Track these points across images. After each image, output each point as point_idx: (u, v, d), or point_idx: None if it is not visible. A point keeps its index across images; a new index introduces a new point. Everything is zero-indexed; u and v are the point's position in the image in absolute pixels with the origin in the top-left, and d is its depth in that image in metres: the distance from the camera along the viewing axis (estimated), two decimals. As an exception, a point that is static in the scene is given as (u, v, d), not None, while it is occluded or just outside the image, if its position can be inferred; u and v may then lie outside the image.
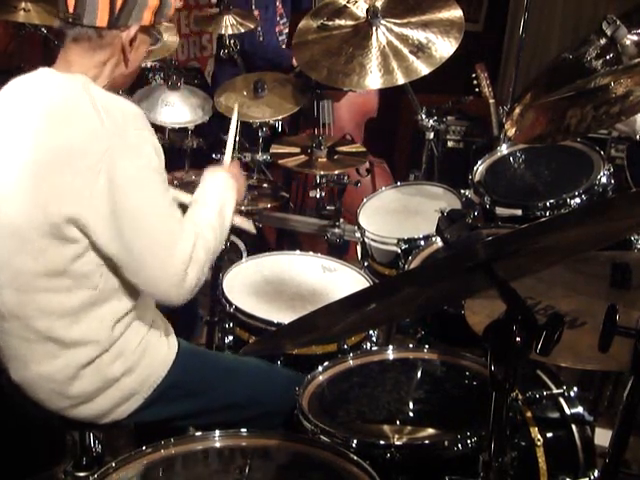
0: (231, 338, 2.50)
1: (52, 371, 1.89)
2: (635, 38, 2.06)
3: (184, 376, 2.03)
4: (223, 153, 3.04)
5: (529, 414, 1.83)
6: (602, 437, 1.84)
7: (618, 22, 2.05)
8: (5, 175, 1.80)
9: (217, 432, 1.77)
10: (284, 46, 4.44)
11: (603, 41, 2.11)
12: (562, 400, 1.88)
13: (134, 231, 1.79)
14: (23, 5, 3.56)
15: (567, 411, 1.87)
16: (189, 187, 2.37)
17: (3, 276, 1.85)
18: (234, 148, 2.44)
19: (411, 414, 1.89)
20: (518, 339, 1.23)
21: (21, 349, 1.89)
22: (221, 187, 2.07)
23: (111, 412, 1.96)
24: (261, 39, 4.24)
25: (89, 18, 1.81)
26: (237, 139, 2.53)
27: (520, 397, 1.81)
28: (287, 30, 4.48)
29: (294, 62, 4.12)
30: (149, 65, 3.91)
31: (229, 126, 2.43)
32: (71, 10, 1.82)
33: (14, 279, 1.83)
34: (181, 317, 2.16)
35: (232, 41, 3.81)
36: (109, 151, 1.74)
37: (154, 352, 1.98)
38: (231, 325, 2.49)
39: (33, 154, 1.78)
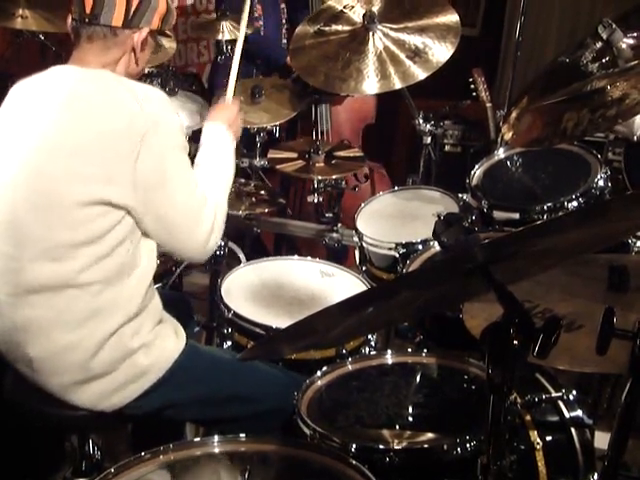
0: (230, 343, 2.50)
1: (78, 339, 1.94)
2: (631, 41, 2.06)
3: (192, 363, 2.09)
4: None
5: (528, 417, 1.83)
6: (602, 440, 1.83)
7: (614, 25, 2.05)
8: (48, 157, 1.90)
9: (216, 437, 1.77)
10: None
11: (599, 44, 2.11)
12: (561, 403, 1.88)
13: (167, 206, 1.96)
14: (21, 12, 3.56)
15: (566, 414, 1.87)
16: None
17: (37, 250, 1.91)
18: (237, 79, 2.54)
19: (410, 418, 1.89)
20: (515, 342, 1.23)
21: (48, 319, 1.94)
22: (221, 142, 2.22)
23: (117, 393, 1.98)
24: (262, 33, 4.25)
25: (105, 18, 1.95)
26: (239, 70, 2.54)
27: (519, 400, 1.80)
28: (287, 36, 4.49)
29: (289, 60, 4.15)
30: (146, 71, 3.91)
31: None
32: (88, 11, 1.95)
33: (50, 251, 1.90)
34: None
35: (229, 47, 3.82)
36: (148, 133, 1.88)
37: (166, 338, 2.06)
38: (229, 330, 2.50)
39: (77, 138, 1.89)
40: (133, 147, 1.87)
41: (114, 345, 1.96)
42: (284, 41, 4.48)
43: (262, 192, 3.40)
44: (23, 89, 2.02)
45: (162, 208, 1.96)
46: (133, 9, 1.97)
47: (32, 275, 1.91)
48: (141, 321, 2.00)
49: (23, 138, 1.94)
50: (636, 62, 2.00)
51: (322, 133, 4.34)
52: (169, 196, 1.96)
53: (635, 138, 3.01)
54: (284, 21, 4.50)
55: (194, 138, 3.75)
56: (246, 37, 3.71)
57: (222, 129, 2.24)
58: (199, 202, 2.02)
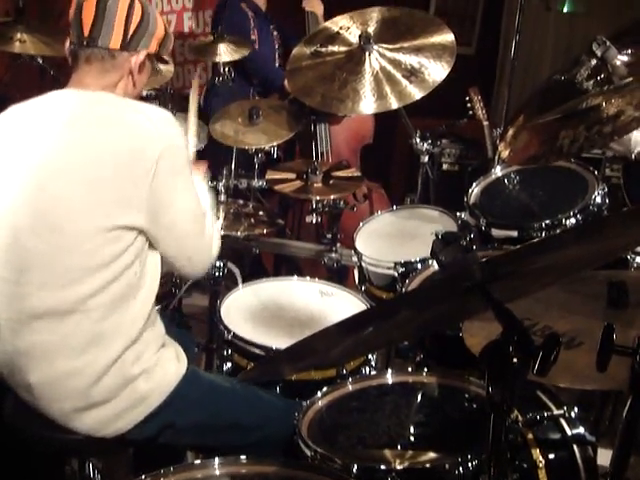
0: (229, 365, 2.49)
1: (80, 366, 1.93)
2: (625, 58, 2.08)
3: (192, 389, 2.08)
4: (219, 180, 3.09)
5: (530, 436, 1.82)
6: (604, 457, 1.82)
7: (608, 43, 2.06)
8: (54, 181, 1.89)
9: (216, 459, 1.76)
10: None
11: (594, 62, 2.12)
12: (563, 421, 1.87)
13: (177, 222, 1.99)
14: (19, 36, 3.58)
15: (568, 432, 1.86)
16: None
17: (44, 276, 1.90)
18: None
19: (411, 438, 1.88)
20: (515, 360, 1.23)
21: (51, 345, 1.92)
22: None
23: (118, 419, 1.97)
24: (256, 47, 4.29)
25: (104, 40, 1.97)
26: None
27: (520, 419, 1.80)
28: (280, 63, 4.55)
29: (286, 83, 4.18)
30: (145, 93, 3.93)
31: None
32: (86, 34, 1.97)
33: (60, 277, 1.90)
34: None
35: (227, 69, 3.84)
36: (163, 154, 1.90)
37: (167, 363, 2.05)
38: (229, 352, 2.49)
39: (88, 162, 1.89)
40: (149, 168, 1.88)
41: (116, 372, 1.95)
42: (276, 65, 4.52)
43: (261, 213, 3.41)
44: (20, 113, 2.01)
45: (173, 224, 1.98)
46: (131, 32, 1.98)
47: (38, 301, 1.90)
48: (143, 345, 1.99)
49: (22, 162, 1.92)
50: (631, 79, 2.01)
51: (322, 154, 4.36)
52: (179, 212, 1.98)
53: (633, 156, 3.01)
54: (277, 46, 4.55)
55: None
56: (243, 57, 3.78)
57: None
58: (202, 214, 2.07)
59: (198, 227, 2.06)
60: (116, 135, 1.91)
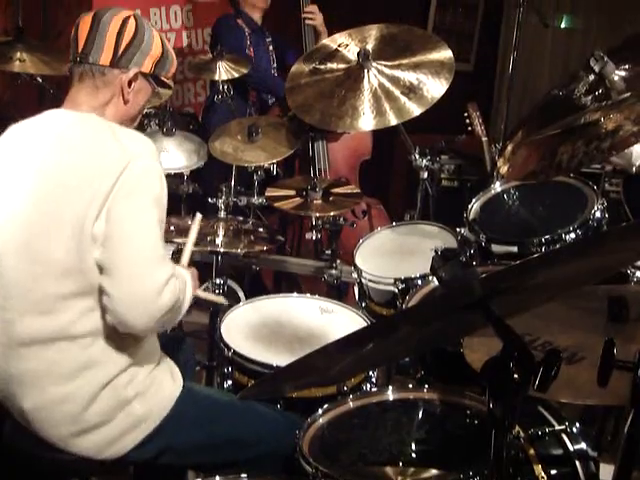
0: (230, 383, 2.49)
1: (71, 391, 1.91)
2: (623, 73, 2.08)
3: (189, 408, 2.06)
4: (219, 197, 3.09)
5: (532, 451, 1.81)
6: (607, 472, 1.81)
7: (605, 58, 2.07)
8: (34, 207, 1.89)
9: (217, 478, 1.76)
10: None
11: (592, 77, 2.13)
12: (565, 436, 1.87)
13: (123, 245, 1.86)
14: (19, 55, 3.60)
15: (570, 447, 1.85)
16: (185, 233, 2.40)
17: (24, 303, 1.89)
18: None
19: (413, 455, 1.88)
20: (516, 376, 1.22)
21: (40, 372, 1.91)
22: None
23: (116, 442, 1.96)
24: (253, 61, 4.31)
25: (94, 56, 1.98)
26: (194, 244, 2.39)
27: (522, 434, 1.79)
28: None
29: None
30: (144, 111, 3.95)
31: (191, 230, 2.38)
32: (80, 50, 1.98)
33: (38, 304, 1.88)
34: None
35: (226, 86, 3.85)
36: (125, 169, 1.86)
37: (162, 383, 2.04)
38: (230, 369, 2.48)
39: (65, 183, 1.88)
40: (113, 183, 1.84)
41: (109, 395, 1.93)
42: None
43: (260, 230, 3.41)
44: (17, 133, 2.02)
45: (116, 244, 1.85)
46: (122, 49, 1.98)
47: (22, 328, 1.89)
48: (136, 369, 1.98)
49: (13, 186, 1.93)
50: (629, 94, 2.01)
51: (320, 171, 4.36)
52: (130, 239, 1.87)
53: (634, 170, 3.02)
54: (272, 61, 4.58)
55: (191, 178, 3.80)
56: (242, 74, 3.80)
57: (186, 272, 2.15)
58: (157, 254, 1.91)
59: (140, 268, 1.87)
60: (87, 158, 1.90)
